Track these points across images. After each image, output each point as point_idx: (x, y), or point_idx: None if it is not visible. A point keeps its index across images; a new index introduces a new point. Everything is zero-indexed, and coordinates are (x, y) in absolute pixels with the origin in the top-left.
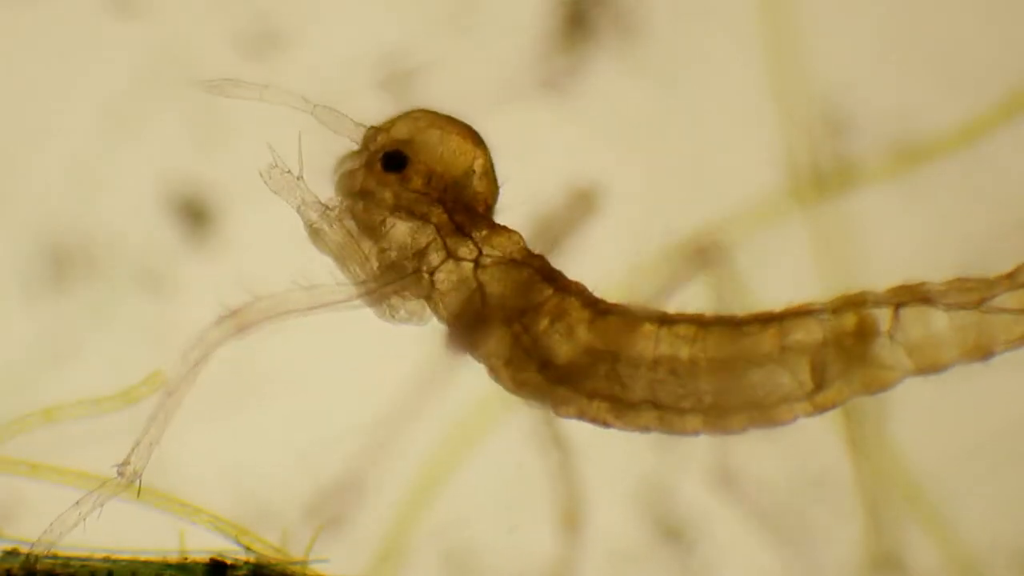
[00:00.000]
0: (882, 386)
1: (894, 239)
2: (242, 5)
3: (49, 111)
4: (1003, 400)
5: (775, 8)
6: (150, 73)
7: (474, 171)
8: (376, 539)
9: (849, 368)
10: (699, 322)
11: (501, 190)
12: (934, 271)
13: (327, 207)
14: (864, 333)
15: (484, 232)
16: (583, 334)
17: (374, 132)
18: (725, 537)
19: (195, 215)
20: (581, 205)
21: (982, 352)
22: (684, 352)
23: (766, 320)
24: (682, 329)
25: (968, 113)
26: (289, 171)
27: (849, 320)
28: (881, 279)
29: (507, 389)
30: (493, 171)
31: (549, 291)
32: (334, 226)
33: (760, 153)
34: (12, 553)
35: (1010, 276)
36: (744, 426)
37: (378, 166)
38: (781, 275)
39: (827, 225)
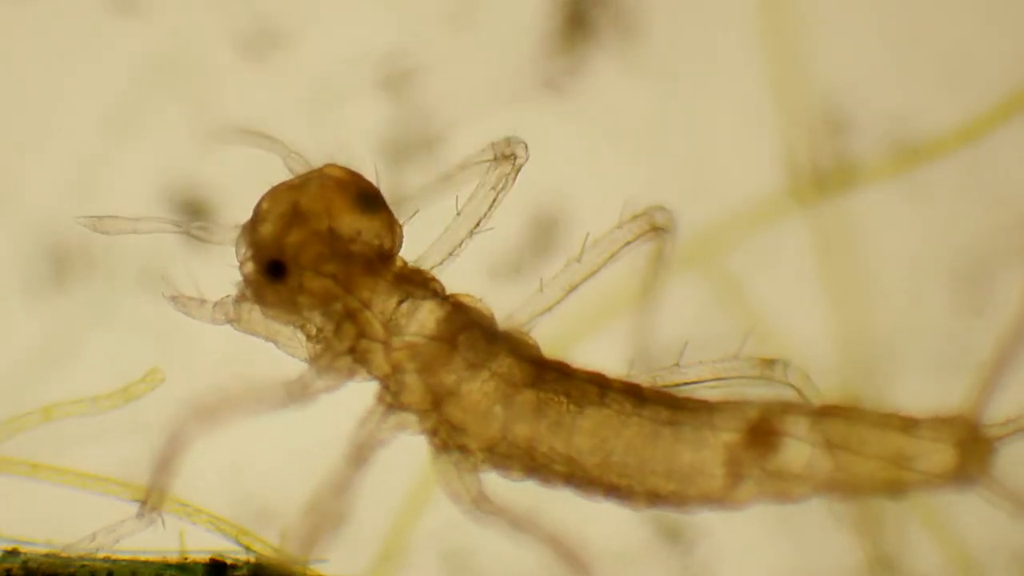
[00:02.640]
0: (789, 499)
1: (894, 239)
2: (242, 5)
3: (49, 111)
4: (1003, 400)
5: (775, 8)
6: (150, 73)
7: (361, 231)
8: (376, 539)
9: (761, 476)
10: (626, 412)
11: (401, 226)
12: (933, 272)
13: (238, 303)
14: (775, 442)
15: (395, 299)
16: (498, 424)
17: (246, 232)
18: (725, 537)
19: (195, 215)
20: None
21: (894, 490)
22: (601, 454)
23: (687, 417)
24: (604, 424)
25: (968, 113)
26: (186, 296)
27: (766, 424)
28: (880, 277)
29: None
30: (381, 215)
31: (462, 369)
32: (252, 318)
33: (760, 153)
34: (12, 553)
35: (937, 420)
36: (651, 508)
37: (262, 281)
38: (781, 275)
39: (827, 225)
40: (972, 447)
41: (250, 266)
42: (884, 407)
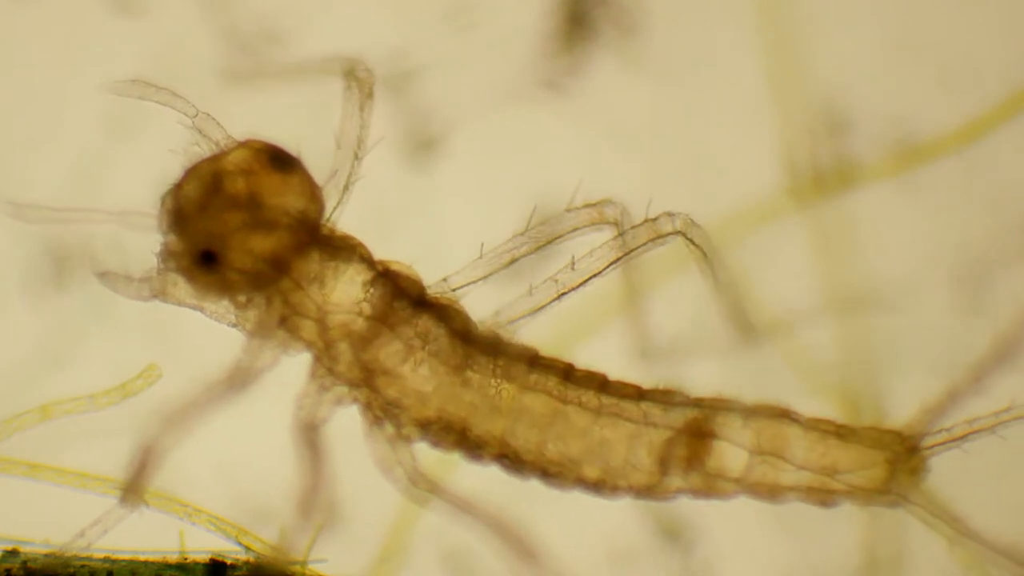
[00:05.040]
0: (716, 494)
1: (894, 239)
2: (242, 5)
3: (50, 110)
4: (1002, 399)
5: (775, 8)
6: (150, 73)
7: (285, 202)
8: (376, 539)
9: (688, 468)
10: (559, 397)
11: (323, 191)
12: (933, 272)
13: (161, 275)
14: (707, 446)
15: (321, 264)
16: (432, 402)
17: (172, 215)
18: (725, 537)
19: None
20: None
21: (822, 498)
22: (534, 442)
23: (622, 409)
24: (538, 403)
25: (968, 113)
26: (113, 273)
27: (699, 426)
28: (880, 277)
29: None
30: (303, 183)
31: (394, 344)
32: (177, 290)
33: (760, 153)
34: (12, 553)
35: (873, 430)
36: (574, 490)
37: (195, 271)
38: (781, 275)
39: (827, 225)
40: (903, 463)
41: (180, 249)
42: (821, 414)
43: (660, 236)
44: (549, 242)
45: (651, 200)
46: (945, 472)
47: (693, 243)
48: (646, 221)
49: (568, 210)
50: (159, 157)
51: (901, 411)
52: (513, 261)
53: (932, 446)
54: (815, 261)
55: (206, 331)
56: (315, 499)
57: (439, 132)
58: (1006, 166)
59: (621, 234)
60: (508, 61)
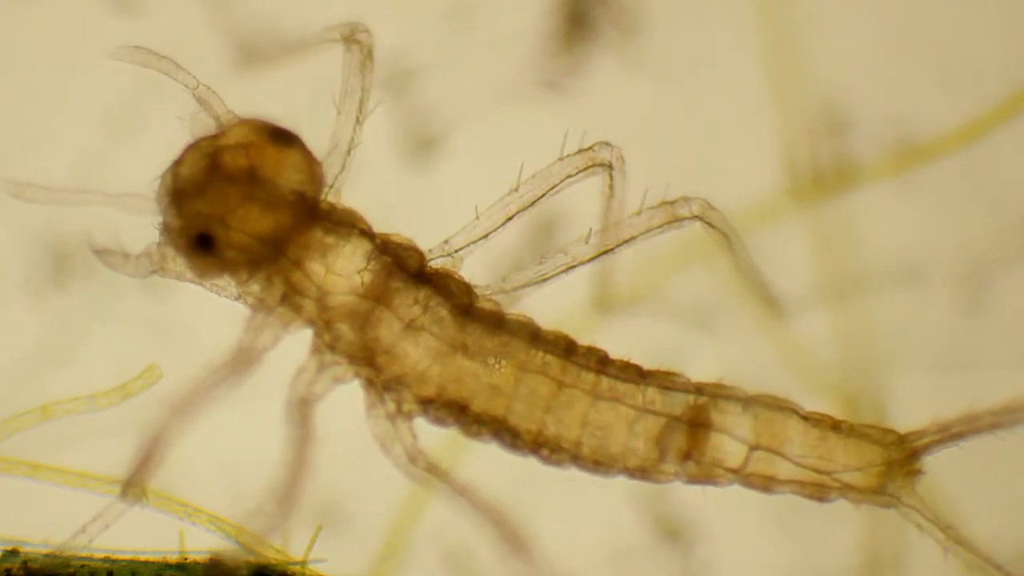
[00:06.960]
0: (711, 482)
1: (893, 239)
2: (243, 5)
3: (50, 110)
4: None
5: (775, 7)
6: (150, 73)
7: (285, 181)
8: (376, 539)
9: (685, 455)
10: (559, 377)
11: (322, 166)
12: (933, 272)
13: (161, 249)
14: (705, 437)
15: (321, 238)
16: (433, 381)
17: (170, 195)
18: (725, 537)
19: None
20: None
21: (814, 493)
22: (533, 417)
23: (621, 393)
24: (538, 383)
25: (968, 113)
26: (110, 250)
27: (698, 416)
28: (880, 277)
29: None
30: (302, 160)
31: (397, 323)
32: (177, 265)
33: (760, 153)
34: (12, 553)
35: (873, 429)
36: (570, 468)
37: (192, 252)
38: (781, 275)
39: (827, 224)
40: (900, 464)
41: (177, 230)
42: (820, 409)
43: (677, 219)
44: (544, 194)
45: (669, 184)
46: (943, 477)
47: (712, 227)
48: (663, 203)
49: (560, 159)
50: (159, 158)
51: (901, 411)
52: (510, 219)
53: (929, 444)
54: (815, 261)
55: (206, 331)
56: (296, 480)
57: (439, 132)
58: (1006, 166)
59: (616, 176)
60: (508, 61)
